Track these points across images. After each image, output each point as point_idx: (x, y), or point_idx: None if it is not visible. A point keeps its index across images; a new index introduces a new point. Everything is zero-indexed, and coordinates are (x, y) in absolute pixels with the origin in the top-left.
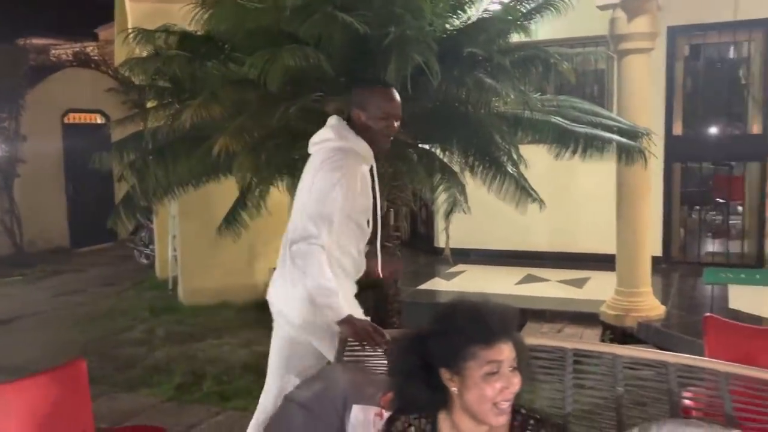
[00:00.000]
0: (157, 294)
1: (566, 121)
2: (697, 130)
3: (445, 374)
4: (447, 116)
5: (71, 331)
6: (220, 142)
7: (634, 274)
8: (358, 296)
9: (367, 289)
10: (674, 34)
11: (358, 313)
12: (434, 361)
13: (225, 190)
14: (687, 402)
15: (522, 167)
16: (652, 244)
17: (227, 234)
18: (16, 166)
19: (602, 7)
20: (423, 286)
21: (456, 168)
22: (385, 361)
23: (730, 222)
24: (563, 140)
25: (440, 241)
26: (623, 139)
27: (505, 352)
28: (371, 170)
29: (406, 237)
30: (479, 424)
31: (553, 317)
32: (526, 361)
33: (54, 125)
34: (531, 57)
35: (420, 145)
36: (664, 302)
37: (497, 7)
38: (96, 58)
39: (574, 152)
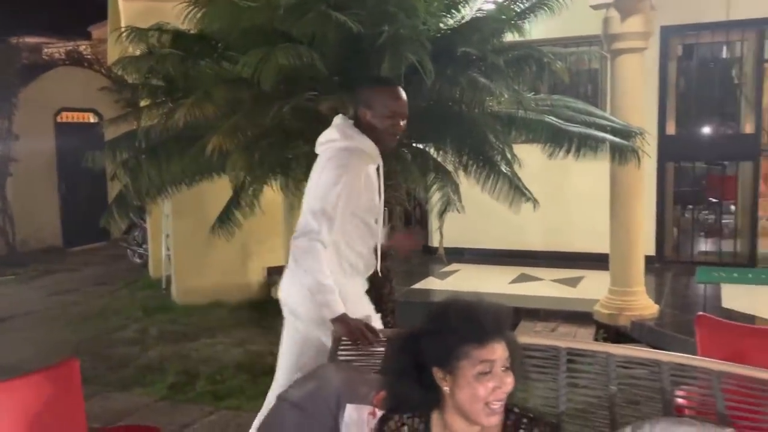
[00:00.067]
0: (151, 293)
1: (560, 121)
2: (690, 130)
3: (437, 373)
4: (441, 115)
5: (64, 331)
6: (214, 141)
7: (627, 274)
8: None
9: None
10: (667, 33)
11: (370, 309)
12: (427, 361)
13: (218, 190)
14: (680, 400)
15: (516, 166)
16: (646, 244)
17: (221, 233)
18: (8, 165)
19: (596, 7)
20: (417, 286)
21: (450, 167)
22: (379, 360)
23: (723, 221)
24: (557, 140)
25: (434, 241)
26: (617, 139)
27: (498, 351)
28: (377, 169)
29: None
30: (471, 424)
31: (546, 316)
32: (519, 360)
33: (47, 124)
34: (525, 56)
35: (414, 144)
36: (657, 301)
37: (491, 6)
38: (89, 56)
39: (567, 152)
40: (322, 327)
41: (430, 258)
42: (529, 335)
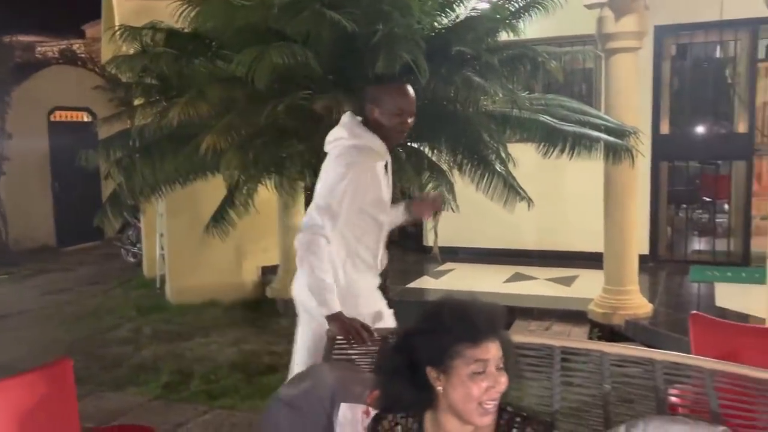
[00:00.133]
0: (145, 293)
1: (554, 120)
2: (684, 129)
3: (431, 373)
4: (435, 114)
5: (57, 330)
6: (208, 140)
7: (621, 273)
8: None
9: None
10: (661, 33)
11: (382, 305)
12: (421, 360)
13: (213, 189)
14: (673, 399)
15: (510, 166)
16: (640, 243)
17: (215, 232)
18: (1, 164)
19: (590, 6)
20: (411, 285)
21: (444, 166)
22: (374, 359)
23: (717, 220)
24: (551, 139)
25: (429, 240)
26: (611, 138)
27: (492, 351)
28: (386, 165)
29: (394, 235)
30: (464, 423)
31: (541, 315)
32: (513, 360)
33: (40, 123)
34: (519, 55)
35: (408, 144)
36: (651, 300)
37: (486, 5)
38: (83, 55)
39: (562, 151)
40: None
41: (424, 257)
42: (523, 334)
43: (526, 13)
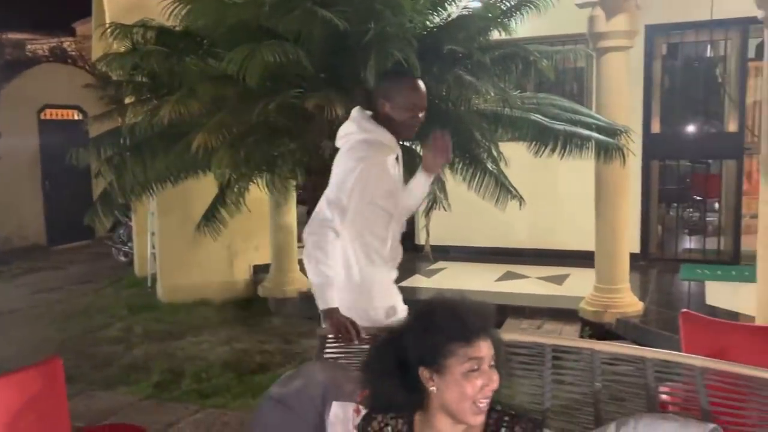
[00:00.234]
0: (136, 291)
1: (546, 119)
2: (675, 128)
3: (423, 373)
4: (427, 113)
5: (48, 329)
6: (199, 138)
7: (612, 271)
8: None
9: None
10: (652, 32)
11: (397, 300)
12: (413, 360)
13: (204, 187)
14: (664, 397)
15: (502, 164)
16: (631, 241)
17: (206, 231)
18: None
19: (581, 5)
20: (403, 283)
21: None
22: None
23: (707, 219)
24: (543, 137)
25: (420, 238)
26: (602, 137)
27: (485, 349)
28: (396, 158)
29: None
30: (456, 423)
31: (532, 314)
32: (504, 358)
33: (30, 121)
34: (511, 54)
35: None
36: (642, 298)
37: (478, 4)
38: (73, 53)
39: (553, 149)
40: (349, 313)
41: (416, 256)
42: (514, 332)
43: (518, 12)
